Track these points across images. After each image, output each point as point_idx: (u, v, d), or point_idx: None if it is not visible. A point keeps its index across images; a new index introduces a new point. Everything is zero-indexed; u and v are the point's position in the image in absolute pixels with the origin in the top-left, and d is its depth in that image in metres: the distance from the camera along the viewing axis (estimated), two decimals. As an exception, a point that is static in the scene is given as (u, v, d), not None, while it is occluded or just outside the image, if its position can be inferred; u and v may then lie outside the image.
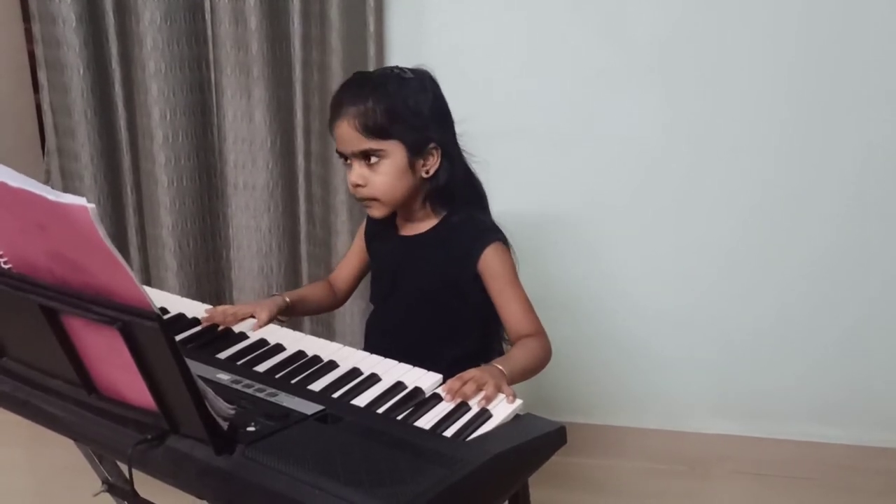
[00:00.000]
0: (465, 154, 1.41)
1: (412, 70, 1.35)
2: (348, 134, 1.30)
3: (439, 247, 1.37)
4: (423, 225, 1.40)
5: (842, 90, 1.90)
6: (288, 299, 1.43)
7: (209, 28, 2.00)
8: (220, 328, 1.31)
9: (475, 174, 1.43)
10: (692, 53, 1.92)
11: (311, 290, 1.56)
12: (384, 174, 1.31)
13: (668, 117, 1.97)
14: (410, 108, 1.30)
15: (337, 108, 1.32)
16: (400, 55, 1.97)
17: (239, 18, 1.95)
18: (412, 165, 1.32)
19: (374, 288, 1.51)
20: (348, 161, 1.34)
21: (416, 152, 1.31)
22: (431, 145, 1.33)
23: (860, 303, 2.05)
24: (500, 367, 1.17)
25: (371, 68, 1.92)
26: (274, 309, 1.38)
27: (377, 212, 1.36)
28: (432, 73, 1.36)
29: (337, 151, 1.36)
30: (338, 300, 1.59)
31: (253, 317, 1.34)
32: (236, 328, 1.31)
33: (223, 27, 1.96)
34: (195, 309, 1.37)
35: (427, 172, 1.34)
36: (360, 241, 1.54)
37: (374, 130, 1.28)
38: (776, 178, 1.98)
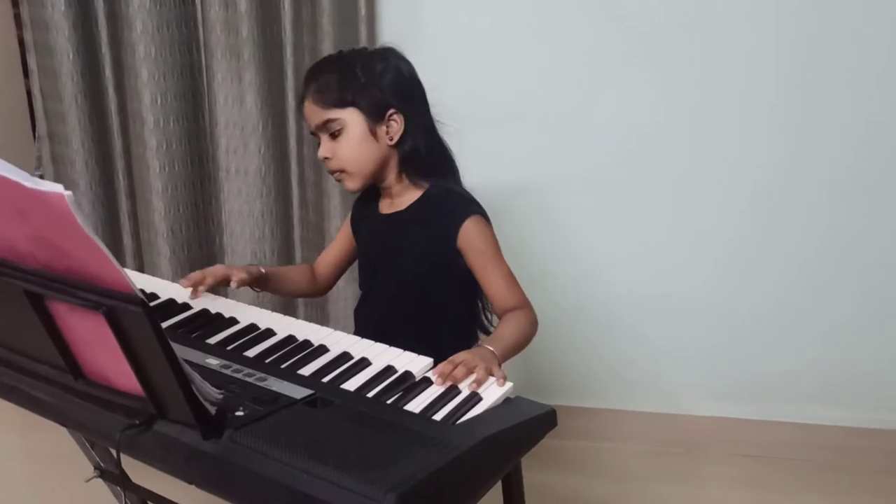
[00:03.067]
0: (437, 123, 1.42)
1: (377, 48, 1.42)
2: (310, 110, 1.35)
3: (419, 222, 1.38)
4: (404, 201, 1.41)
5: (837, 71, 1.89)
6: (263, 270, 1.45)
7: (199, 11, 1.99)
8: (214, 311, 1.30)
9: (446, 144, 1.44)
10: (685, 35, 1.91)
11: (289, 271, 1.58)
12: (346, 143, 1.34)
13: (661, 100, 1.96)
14: (365, 76, 1.33)
15: (303, 90, 1.37)
16: (392, 38, 1.92)
17: (229, 1, 1.93)
18: (374, 132, 1.34)
19: (361, 271, 1.52)
20: (314, 131, 1.38)
21: (375, 118, 1.34)
22: (391, 111, 1.34)
23: (856, 286, 2.04)
24: (491, 349, 1.17)
25: (363, 51, 1.91)
26: (250, 275, 1.41)
27: (350, 184, 1.39)
28: (398, 49, 1.40)
29: (310, 132, 1.39)
30: (318, 288, 1.59)
31: (229, 280, 1.37)
32: (227, 313, 1.30)
33: (213, 10, 1.94)
34: (186, 294, 1.36)
35: (391, 139, 1.35)
36: (346, 229, 1.55)
37: (330, 101, 1.32)
38: (771, 161, 1.97)
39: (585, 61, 1.96)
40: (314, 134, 1.38)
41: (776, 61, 1.90)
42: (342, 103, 1.32)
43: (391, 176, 1.40)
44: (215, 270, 1.37)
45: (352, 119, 1.33)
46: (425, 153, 1.38)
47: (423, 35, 1.97)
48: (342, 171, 1.37)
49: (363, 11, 1.89)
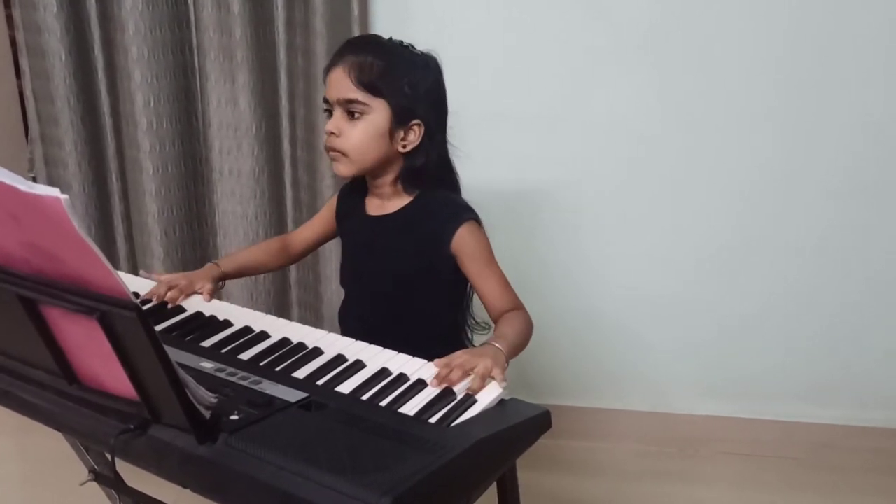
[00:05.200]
0: (449, 145, 1.40)
1: (422, 52, 1.35)
2: (340, 80, 1.29)
3: (409, 228, 1.36)
4: (392, 205, 1.38)
5: (836, 71, 1.89)
6: (223, 269, 1.45)
7: (192, 12, 1.98)
8: (207, 314, 1.31)
9: (453, 165, 1.41)
10: (681, 31, 1.91)
11: (251, 255, 1.56)
12: (361, 130, 1.30)
13: (658, 97, 1.96)
14: (407, 77, 1.30)
15: (337, 56, 1.31)
16: (385, 39, 1.96)
17: (222, 2, 1.93)
18: (391, 133, 1.31)
19: (344, 270, 1.51)
20: (331, 111, 1.33)
21: (399, 121, 1.30)
22: (415, 120, 1.31)
23: (846, 286, 2.05)
24: (498, 346, 1.16)
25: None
26: (212, 280, 1.41)
27: (343, 168, 1.34)
28: (440, 62, 1.36)
29: (323, 99, 1.34)
30: (289, 259, 1.59)
31: (197, 292, 1.37)
32: (221, 316, 1.30)
33: (206, 11, 1.94)
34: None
35: (404, 147, 1.33)
36: (328, 212, 1.53)
37: (366, 83, 1.28)
38: (767, 161, 1.98)
39: (581, 61, 1.96)
40: (328, 103, 1.33)
41: (774, 60, 1.90)
42: (376, 91, 1.28)
43: (387, 178, 1.37)
44: (178, 285, 1.35)
45: (378, 110, 1.29)
46: (430, 169, 1.35)
47: (415, 36, 1.94)
48: (342, 153, 1.32)
49: (356, 12, 1.89)
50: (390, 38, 1.35)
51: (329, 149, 1.34)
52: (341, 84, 1.29)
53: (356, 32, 1.90)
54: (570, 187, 2.06)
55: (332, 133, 1.31)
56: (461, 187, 1.43)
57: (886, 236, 2.00)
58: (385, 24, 1.97)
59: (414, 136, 1.32)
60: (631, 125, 1.98)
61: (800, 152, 1.96)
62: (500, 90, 2.00)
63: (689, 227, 2.06)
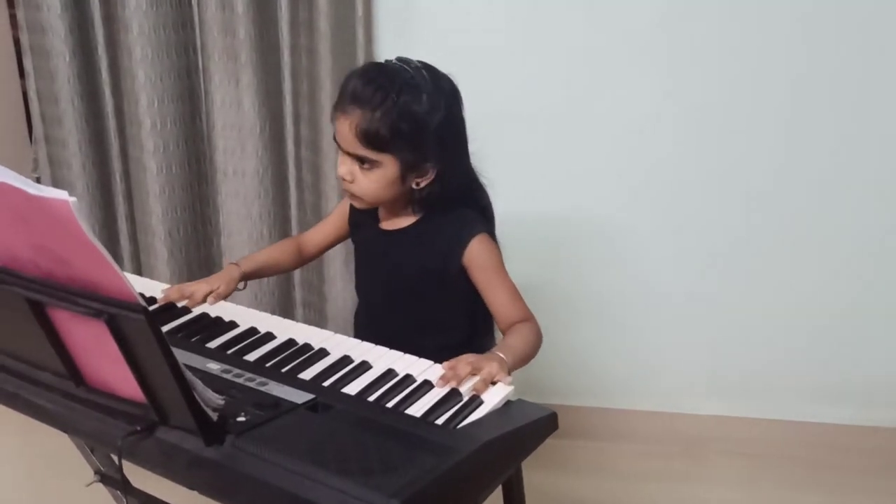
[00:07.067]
0: (476, 172, 1.39)
1: (434, 77, 1.29)
2: (346, 134, 1.27)
3: (422, 242, 1.37)
4: (404, 221, 1.39)
5: (843, 68, 1.88)
6: (243, 269, 1.44)
7: (196, 13, 1.98)
8: (213, 315, 1.31)
9: (482, 189, 1.41)
10: (688, 31, 1.90)
11: (269, 255, 1.56)
12: (373, 181, 1.29)
13: (665, 98, 1.96)
14: (415, 127, 1.25)
15: (343, 101, 1.27)
16: (389, 39, 1.96)
17: (226, 3, 1.93)
18: (403, 178, 1.30)
19: (357, 278, 1.51)
20: (342, 149, 1.31)
21: (409, 169, 1.29)
22: (427, 164, 1.30)
23: (853, 285, 2.05)
24: (502, 355, 1.16)
25: (360, 53, 1.90)
26: (231, 281, 1.40)
27: (358, 204, 1.37)
28: (455, 84, 1.32)
29: (333, 136, 1.33)
30: (302, 260, 1.59)
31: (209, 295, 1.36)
32: (226, 316, 1.30)
33: (210, 12, 1.94)
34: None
35: (417, 185, 1.32)
36: (341, 216, 1.53)
37: (373, 142, 1.25)
38: (772, 159, 1.97)
39: (584, 60, 1.96)
40: (338, 143, 1.32)
41: (782, 55, 1.89)
42: (385, 148, 1.26)
43: (399, 204, 1.37)
44: (194, 292, 1.35)
45: (388, 163, 1.27)
46: (445, 197, 1.34)
47: (419, 36, 1.97)
48: (356, 196, 1.33)
49: (360, 12, 1.88)
50: (397, 71, 1.28)
51: (343, 186, 1.34)
52: (348, 139, 1.27)
53: (360, 34, 1.89)
54: (574, 185, 2.06)
55: (346, 179, 1.31)
56: (489, 203, 1.42)
57: (892, 235, 1.99)
58: (388, 25, 1.96)
59: (426, 177, 1.31)
60: (634, 122, 1.98)
61: (804, 152, 1.96)
62: (504, 90, 1.99)
63: (694, 227, 2.06)
